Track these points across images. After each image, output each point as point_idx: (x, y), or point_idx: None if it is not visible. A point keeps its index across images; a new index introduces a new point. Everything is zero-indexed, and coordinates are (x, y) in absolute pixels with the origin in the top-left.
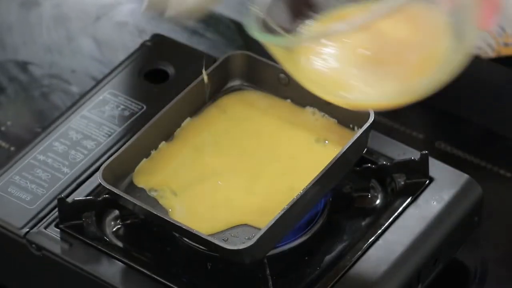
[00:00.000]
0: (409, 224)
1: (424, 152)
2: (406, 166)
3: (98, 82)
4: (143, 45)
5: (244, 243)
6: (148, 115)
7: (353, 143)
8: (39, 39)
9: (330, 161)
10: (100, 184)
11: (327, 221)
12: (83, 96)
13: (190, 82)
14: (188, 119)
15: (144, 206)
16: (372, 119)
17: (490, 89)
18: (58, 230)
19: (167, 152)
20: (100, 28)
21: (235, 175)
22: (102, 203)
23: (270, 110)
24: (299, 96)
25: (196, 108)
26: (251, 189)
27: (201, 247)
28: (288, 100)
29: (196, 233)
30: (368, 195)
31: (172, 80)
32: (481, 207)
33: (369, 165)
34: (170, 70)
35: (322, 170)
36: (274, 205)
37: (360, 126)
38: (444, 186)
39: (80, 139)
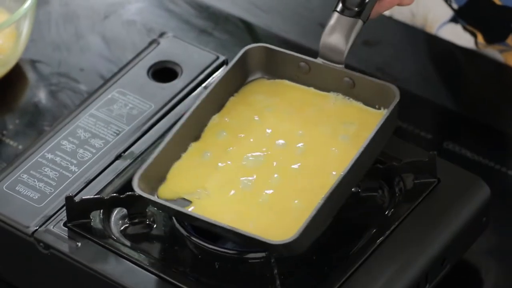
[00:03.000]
0: (417, 224)
1: (432, 152)
2: (414, 167)
3: (106, 80)
4: (151, 43)
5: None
6: (156, 113)
7: (384, 121)
8: (47, 37)
9: (364, 142)
10: (108, 184)
11: (336, 220)
12: (92, 94)
13: (198, 81)
14: (214, 116)
15: (189, 213)
16: (399, 98)
17: (498, 90)
18: (66, 228)
19: (196, 154)
20: (109, 27)
21: (266, 171)
22: (110, 202)
23: (294, 98)
24: (321, 83)
25: (220, 104)
26: (281, 187)
27: (210, 246)
28: (311, 88)
29: (244, 233)
30: (377, 195)
31: (180, 79)
32: (489, 208)
33: (378, 165)
34: (178, 69)
35: (359, 150)
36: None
37: (386, 106)
38: (452, 186)
39: (88, 138)
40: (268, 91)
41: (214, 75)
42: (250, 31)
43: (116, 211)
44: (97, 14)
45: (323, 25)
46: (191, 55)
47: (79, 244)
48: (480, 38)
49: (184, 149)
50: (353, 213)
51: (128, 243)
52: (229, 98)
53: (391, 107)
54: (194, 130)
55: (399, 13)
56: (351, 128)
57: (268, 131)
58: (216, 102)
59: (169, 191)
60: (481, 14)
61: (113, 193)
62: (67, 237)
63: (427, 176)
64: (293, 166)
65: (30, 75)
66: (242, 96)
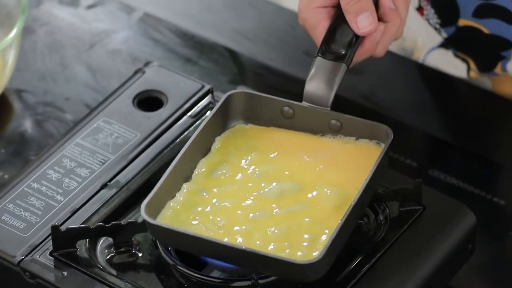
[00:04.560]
0: (403, 252)
1: (417, 180)
2: (400, 194)
3: (92, 110)
4: (136, 72)
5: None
6: (142, 142)
7: (380, 160)
8: (33, 67)
9: (370, 171)
10: (94, 213)
11: None
12: (77, 124)
13: (184, 110)
14: (202, 159)
15: (207, 238)
16: (392, 137)
17: (484, 117)
18: (52, 258)
19: (190, 192)
20: (94, 56)
21: (264, 206)
22: (95, 231)
23: (280, 140)
24: (307, 126)
25: (206, 149)
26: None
27: (196, 275)
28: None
29: (269, 255)
30: (362, 222)
31: (165, 108)
32: (475, 235)
33: None
34: (164, 98)
35: (368, 175)
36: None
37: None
38: (438, 213)
39: (74, 167)
40: (251, 136)
41: (200, 104)
42: (235, 60)
43: (102, 240)
44: (82, 43)
45: (308, 53)
46: (177, 84)
47: (65, 273)
48: (472, 65)
49: (178, 189)
50: None
51: (114, 272)
52: (212, 142)
53: (385, 147)
54: (185, 171)
55: None
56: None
57: (258, 172)
58: (203, 145)
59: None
60: (470, 43)
61: (99, 222)
62: (53, 266)
63: (413, 204)
64: (293, 206)
65: (16, 104)
66: (226, 141)
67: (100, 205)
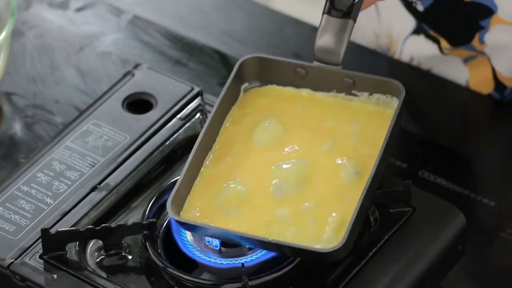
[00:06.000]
0: (393, 254)
1: (407, 181)
2: (389, 196)
3: (81, 112)
4: (126, 75)
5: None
6: (131, 145)
7: (395, 118)
8: (22, 70)
9: (385, 137)
10: (84, 216)
11: None
12: (66, 126)
13: (173, 112)
14: (221, 128)
15: (232, 232)
16: (404, 92)
17: (474, 119)
18: (42, 261)
19: (213, 170)
20: (84, 59)
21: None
22: (85, 234)
23: (295, 100)
24: (320, 85)
25: (224, 116)
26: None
27: (186, 277)
28: (308, 89)
29: (300, 246)
30: None
31: (155, 110)
32: (465, 236)
33: None
34: (153, 100)
35: (382, 144)
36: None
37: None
38: (428, 215)
39: (63, 170)
40: (266, 97)
41: (189, 106)
42: (225, 62)
43: (92, 243)
44: (72, 46)
45: (297, 55)
46: (166, 86)
47: (55, 276)
48: (444, 43)
49: (202, 167)
50: None
51: (104, 274)
52: (229, 108)
53: (400, 103)
54: (209, 145)
55: (362, 38)
56: (356, 128)
57: (273, 137)
58: (222, 114)
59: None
60: (448, 13)
61: (88, 225)
62: (43, 269)
63: (402, 205)
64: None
65: (6, 107)
66: (242, 105)
67: (90, 207)
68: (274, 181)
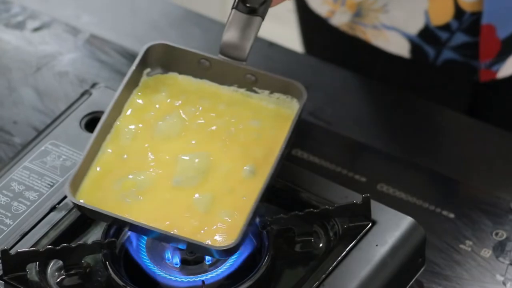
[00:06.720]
0: (353, 268)
1: (365, 195)
2: (348, 210)
3: (39, 133)
4: (83, 94)
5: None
6: None
7: (295, 121)
8: None
9: (284, 140)
10: (43, 236)
11: (271, 266)
12: (25, 147)
13: None
14: (119, 118)
15: (129, 220)
16: (306, 95)
17: (430, 130)
18: (2, 282)
19: (113, 157)
20: (41, 79)
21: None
22: (45, 254)
23: (196, 92)
24: (223, 79)
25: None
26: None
27: None
28: (207, 80)
29: (189, 240)
30: (312, 239)
31: None
32: (424, 248)
33: (312, 209)
34: None
35: (281, 148)
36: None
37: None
38: (387, 228)
39: (22, 190)
40: (166, 84)
41: None
42: None
43: (52, 263)
44: (29, 66)
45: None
46: None
47: None
48: None
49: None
50: (288, 259)
51: None
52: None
53: (301, 106)
54: (107, 131)
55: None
56: (254, 126)
57: (173, 126)
58: (123, 100)
59: (94, 197)
60: None
61: (48, 245)
62: None
63: (362, 219)
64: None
65: None
66: (144, 91)
67: (49, 228)
68: (173, 172)
